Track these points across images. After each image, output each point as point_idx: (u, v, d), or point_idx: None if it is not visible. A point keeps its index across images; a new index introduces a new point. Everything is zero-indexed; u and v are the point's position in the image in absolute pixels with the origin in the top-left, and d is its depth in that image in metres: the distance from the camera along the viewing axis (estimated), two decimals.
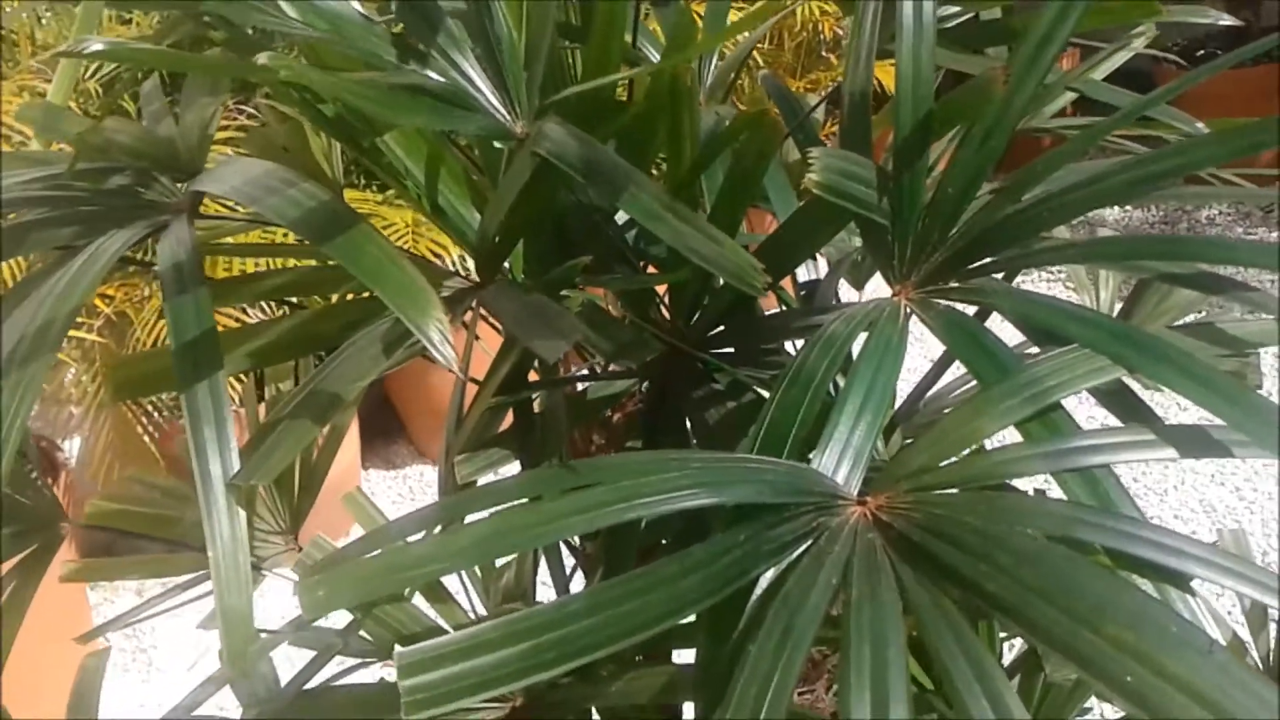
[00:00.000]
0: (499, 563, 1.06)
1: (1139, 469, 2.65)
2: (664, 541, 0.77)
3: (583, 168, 0.58)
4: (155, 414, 2.54)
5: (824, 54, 3.16)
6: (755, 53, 2.98)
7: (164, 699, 2.45)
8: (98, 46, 0.58)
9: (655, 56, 0.99)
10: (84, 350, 2.39)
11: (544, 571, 0.94)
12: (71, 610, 2.37)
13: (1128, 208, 3.56)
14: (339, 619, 0.98)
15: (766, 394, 0.74)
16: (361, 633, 0.79)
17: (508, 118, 0.69)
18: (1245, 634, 1.01)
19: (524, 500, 0.56)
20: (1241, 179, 0.88)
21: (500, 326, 0.85)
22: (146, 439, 2.53)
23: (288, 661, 0.94)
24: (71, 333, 2.32)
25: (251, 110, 2.40)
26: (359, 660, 0.98)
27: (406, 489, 3.03)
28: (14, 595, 0.74)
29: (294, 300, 0.78)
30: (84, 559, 0.89)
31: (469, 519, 0.54)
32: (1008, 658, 1.04)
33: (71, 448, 2.65)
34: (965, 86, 0.66)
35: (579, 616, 0.46)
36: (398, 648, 0.43)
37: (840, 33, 3.11)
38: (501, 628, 0.45)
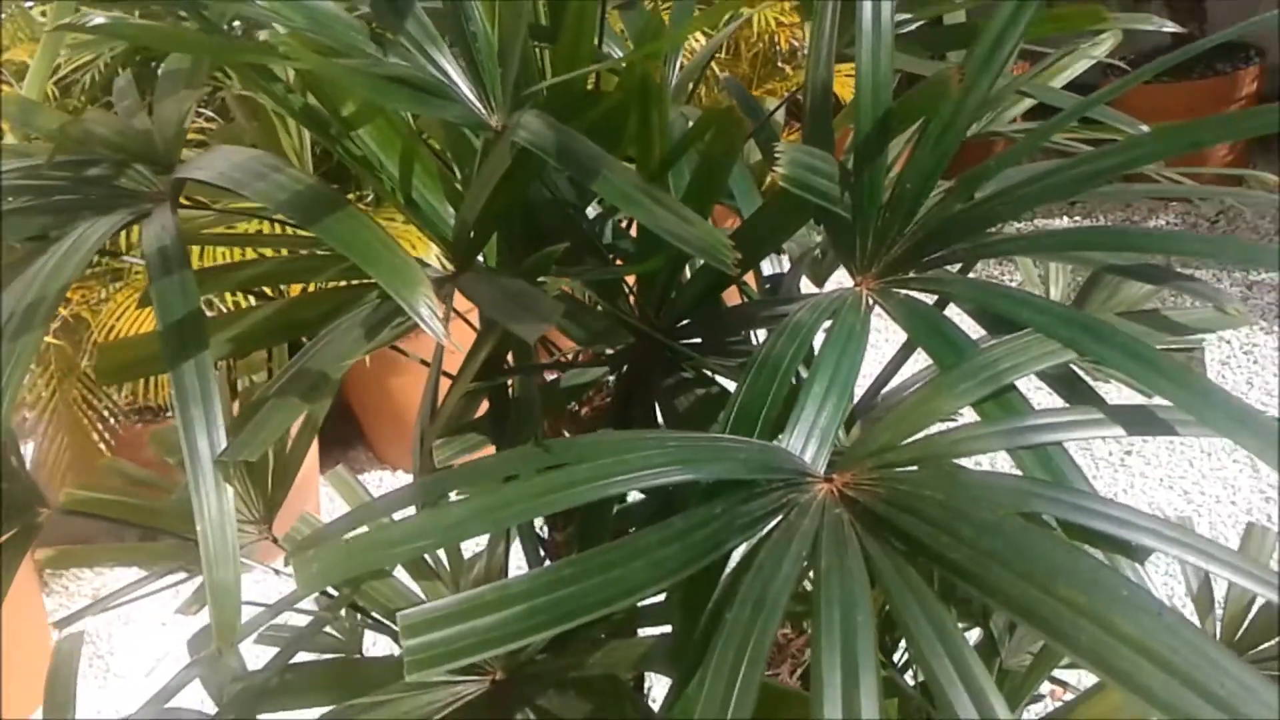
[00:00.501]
0: (467, 554, 1.07)
1: (1090, 472, 2.71)
2: (633, 529, 0.80)
3: (560, 154, 0.60)
4: (110, 418, 2.53)
5: (780, 65, 3.21)
6: (713, 63, 3.02)
7: (121, 704, 2.43)
8: (100, 20, 0.60)
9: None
10: (39, 354, 2.37)
11: (514, 563, 0.96)
12: (26, 614, 2.34)
13: (1078, 218, 3.63)
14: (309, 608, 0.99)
15: (729, 383, 0.77)
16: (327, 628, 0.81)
17: (483, 111, 0.71)
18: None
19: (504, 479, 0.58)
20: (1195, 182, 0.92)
21: (473, 320, 0.87)
22: (100, 444, 2.51)
23: (254, 659, 0.95)
24: None
25: (209, 114, 2.40)
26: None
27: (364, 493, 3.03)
28: None
29: (267, 291, 0.79)
30: (60, 547, 0.90)
31: (451, 497, 0.56)
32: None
33: (26, 452, 2.62)
34: (921, 85, 0.69)
35: (569, 581, 0.48)
36: (400, 610, 0.45)
37: (796, 44, 3.16)
38: (498, 590, 0.47)
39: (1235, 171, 2.77)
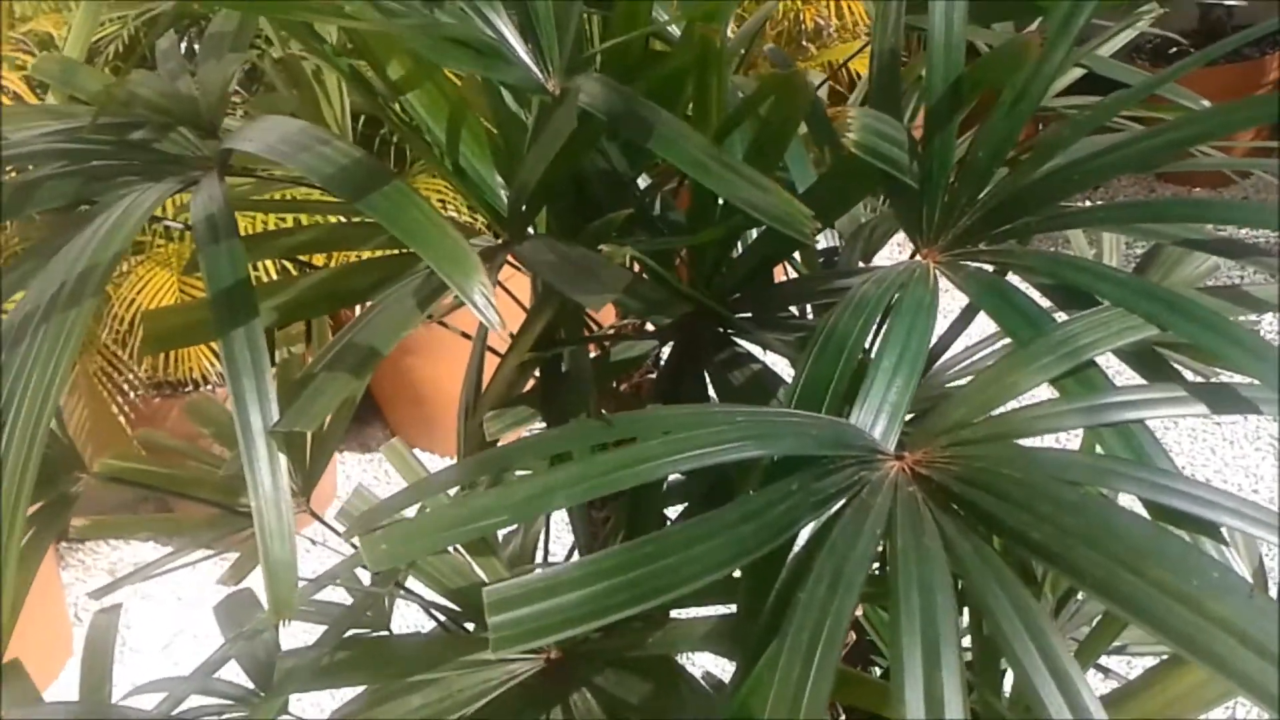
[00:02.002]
0: (502, 533, 1.06)
1: None
2: (687, 506, 0.78)
3: (624, 119, 0.58)
4: (130, 393, 2.52)
5: (804, 43, 3.17)
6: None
7: (138, 678, 2.42)
8: None
9: (675, 30, 0.99)
10: None
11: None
12: (41, 586, 2.34)
13: (1099, 201, 3.60)
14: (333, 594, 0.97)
15: (779, 359, 0.75)
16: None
17: (539, 74, 0.69)
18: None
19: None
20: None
21: (513, 291, 0.86)
22: (120, 418, 2.50)
23: (287, 634, 0.94)
24: None
25: (244, 95, 2.38)
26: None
27: (382, 472, 3.02)
28: (31, 543, 0.73)
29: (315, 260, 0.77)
30: (92, 517, 0.89)
31: (517, 473, 0.55)
32: None
33: None
34: (995, 51, 0.67)
35: (651, 559, 0.46)
36: (486, 586, 0.44)
37: (821, 22, 3.12)
38: (581, 567, 0.45)
39: (1269, 145, 2.74)
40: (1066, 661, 0.48)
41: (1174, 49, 3.99)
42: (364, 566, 0.84)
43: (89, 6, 0.82)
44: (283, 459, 0.57)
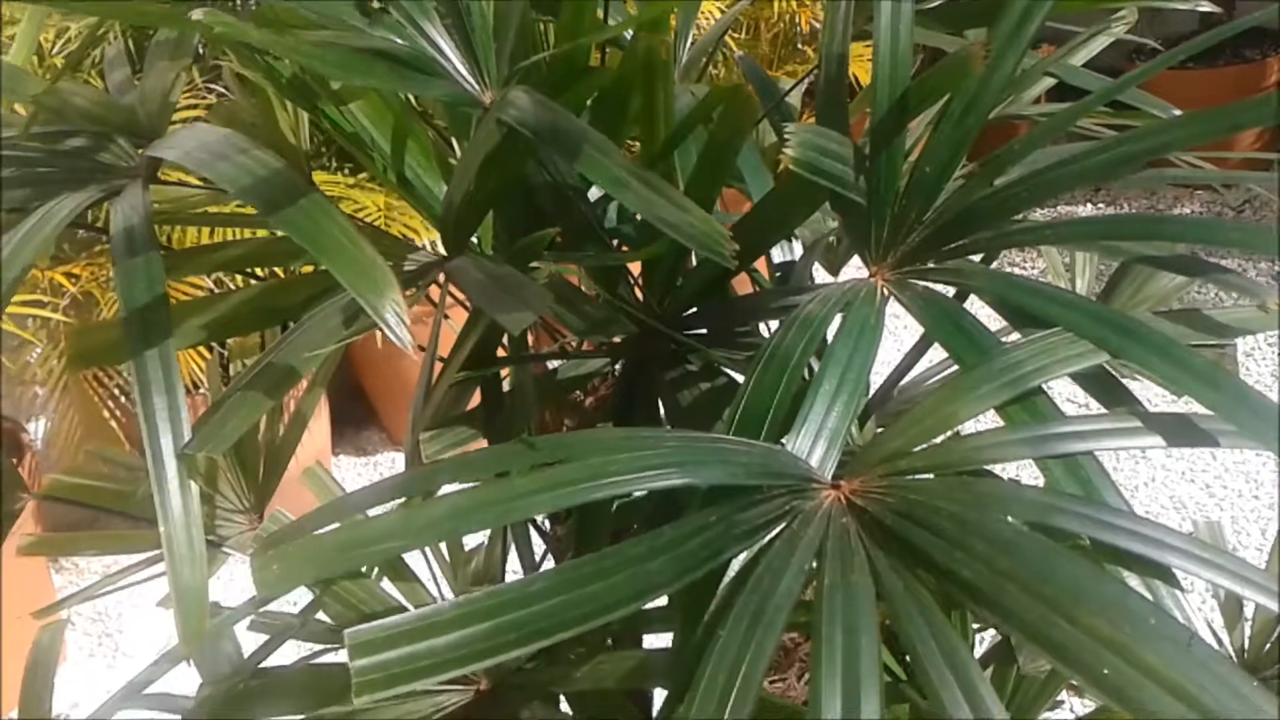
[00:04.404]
0: (468, 547, 1.04)
1: (1110, 464, 2.66)
2: (635, 526, 0.76)
3: (547, 134, 0.56)
4: (120, 396, 2.50)
5: (800, 46, 3.14)
6: (732, 43, 2.96)
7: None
8: None
9: (628, 35, 0.97)
10: (49, 330, 2.35)
11: (514, 558, 0.92)
12: (36, 593, 2.33)
13: (1101, 205, 3.56)
14: (301, 597, 0.95)
15: (739, 376, 0.72)
16: (320, 614, 0.77)
17: (476, 87, 0.67)
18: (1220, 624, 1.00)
19: (488, 477, 0.54)
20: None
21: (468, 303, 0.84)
22: (111, 421, 2.49)
23: (254, 641, 0.92)
24: (36, 312, 2.28)
25: (221, 90, 2.36)
26: (323, 646, 0.96)
27: (378, 474, 3.00)
28: None
29: (253, 274, 0.75)
30: (39, 534, 0.87)
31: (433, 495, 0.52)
32: (980, 649, 1.03)
33: (37, 430, 2.61)
34: (943, 62, 0.64)
35: (541, 597, 0.44)
36: (347, 628, 0.41)
37: (817, 24, 3.09)
38: (459, 607, 0.43)
39: (1265, 155, 2.69)
40: (992, 705, 0.46)
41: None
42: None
43: (35, 12, 0.80)
44: (193, 485, 0.55)
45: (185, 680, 0.90)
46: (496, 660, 0.42)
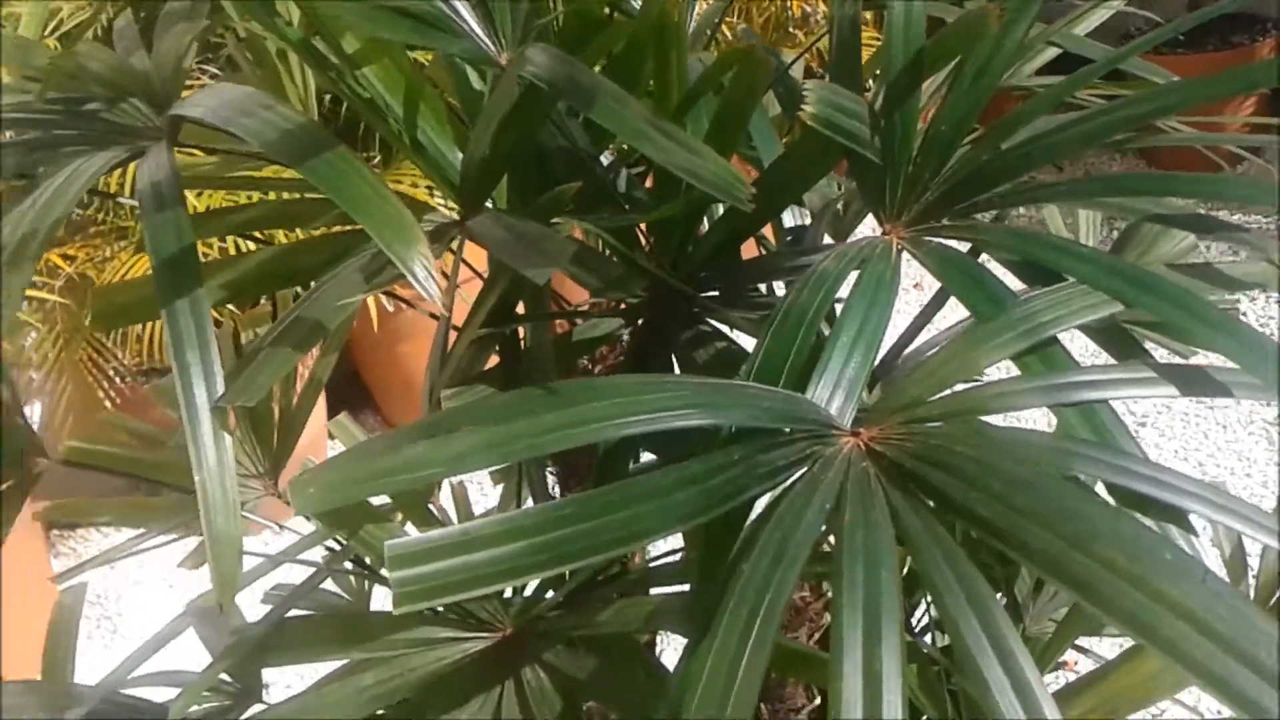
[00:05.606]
0: (478, 510, 1.05)
1: None
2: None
3: (566, 87, 0.57)
4: (116, 379, 2.51)
5: (791, 30, 3.14)
6: (725, 28, 2.96)
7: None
8: None
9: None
10: (45, 312, 2.35)
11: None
12: (33, 575, 2.33)
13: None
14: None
15: (747, 339, 0.73)
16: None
17: (491, 47, 0.68)
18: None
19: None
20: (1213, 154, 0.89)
21: (479, 268, 0.84)
22: (106, 402, 2.49)
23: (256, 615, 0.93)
24: (32, 293, 2.28)
25: (215, 71, 2.36)
26: None
27: None
28: None
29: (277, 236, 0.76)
30: (58, 500, 0.87)
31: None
32: None
33: (32, 413, 2.61)
34: (957, 22, 0.65)
35: (571, 520, 0.45)
36: (387, 541, 0.42)
37: (808, 9, 3.10)
38: (496, 525, 0.44)
39: (1261, 120, 2.71)
40: (1009, 634, 0.47)
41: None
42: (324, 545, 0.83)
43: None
44: (226, 436, 0.56)
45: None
46: (529, 578, 0.43)
